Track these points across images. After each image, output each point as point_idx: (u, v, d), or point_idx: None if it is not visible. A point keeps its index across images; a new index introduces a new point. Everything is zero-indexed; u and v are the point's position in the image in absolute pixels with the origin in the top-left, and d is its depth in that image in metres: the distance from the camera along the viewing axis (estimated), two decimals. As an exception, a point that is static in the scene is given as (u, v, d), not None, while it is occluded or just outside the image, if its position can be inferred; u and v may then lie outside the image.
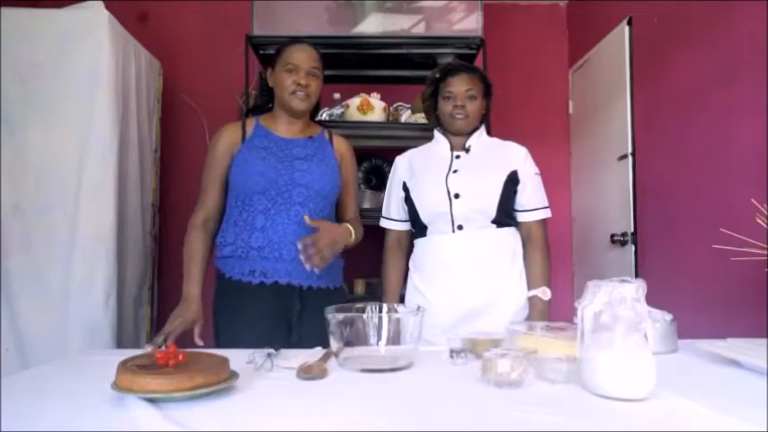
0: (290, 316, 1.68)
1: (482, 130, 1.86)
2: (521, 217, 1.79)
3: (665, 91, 2.54)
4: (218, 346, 1.64)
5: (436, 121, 1.86)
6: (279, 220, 1.66)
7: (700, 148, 2.27)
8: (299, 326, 1.68)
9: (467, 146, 1.81)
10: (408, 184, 1.84)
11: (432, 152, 1.86)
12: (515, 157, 1.79)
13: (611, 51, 3.02)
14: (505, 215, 1.75)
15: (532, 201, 1.78)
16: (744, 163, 2.00)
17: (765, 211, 1.29)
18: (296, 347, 1.46)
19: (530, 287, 1.74)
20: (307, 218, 1.60)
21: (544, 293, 1.72)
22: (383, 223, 1.93)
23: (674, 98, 2.46)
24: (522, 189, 1.77)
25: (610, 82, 3.02)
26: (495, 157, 1.79)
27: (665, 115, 2.54)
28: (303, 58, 1.71)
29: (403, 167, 1.88)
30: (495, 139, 1.87)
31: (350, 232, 1.69)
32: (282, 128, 1.77)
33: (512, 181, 1.75)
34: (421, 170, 1.83)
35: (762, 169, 1.87)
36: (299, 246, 1.53)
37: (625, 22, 2.85)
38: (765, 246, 1.27)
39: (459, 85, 1.76)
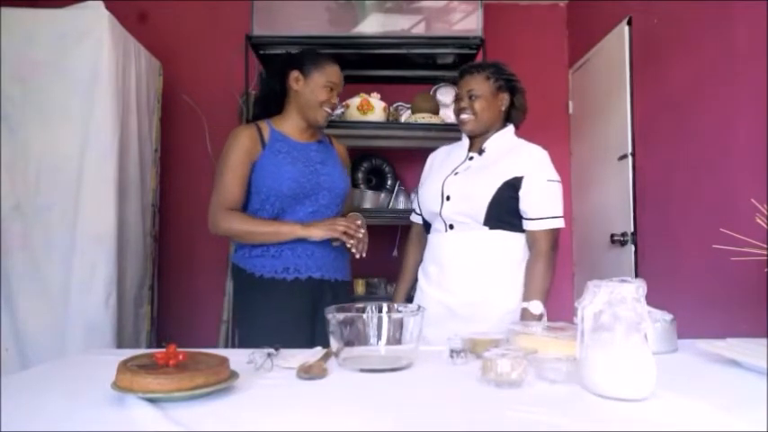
0: (318, 309, 1.70)
1: (506, 130, 1.80)
2: (526, 225, 1.71)
3: (665, 91, 2.54)
4: (244, 340, 1.73)
5: None
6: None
7: (700, 149, 2.27)
8: None
9: (482, 147, 1.78)
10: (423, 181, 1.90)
11: (453, 152, 1.87)
12: (527, 162, 1.70)
13: (611, 51, 3.02)
14: (498, 220, 1.68)
15: (537, 209, 1.68)
16: (744, 163, 2.00)
17: (765, 211, 1.29)
18: (323, 338, 1.49)
19: (525, 297, 1.67)
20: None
21: (535, 307, 1.62)
22: (411, 217, 2.01)
23: (674, 98, 2.46)
24: (525, 195, 1.68)
25: (610, 82, 3.02)
26: (503, 161, 1.72)
27: (665, 115, 2.54)
28: (341, 80, 1.83)
29: (429, 164, 1.95)
30: (519, 141, 1.79)
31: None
32: (297, 133, 1.83)
33: (511, 186, 1.67)
34: (435, 169, 1.87)
35: (762, 169, 1.87)
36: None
37: (625, 22, 2.85)
38: (765, 246, 1.27)
39: (463, 87, 1.78)
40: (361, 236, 1.68)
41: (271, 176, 1.72)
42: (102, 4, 2.51)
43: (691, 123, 2.33)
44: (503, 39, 3.31)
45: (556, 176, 1.72)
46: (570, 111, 3.66)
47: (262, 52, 2.80)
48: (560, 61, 3.71)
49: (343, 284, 1.84)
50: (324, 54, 1.85)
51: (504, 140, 1.79)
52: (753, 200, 1.42)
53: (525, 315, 1.65)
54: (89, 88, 2.45)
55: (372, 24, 2.79)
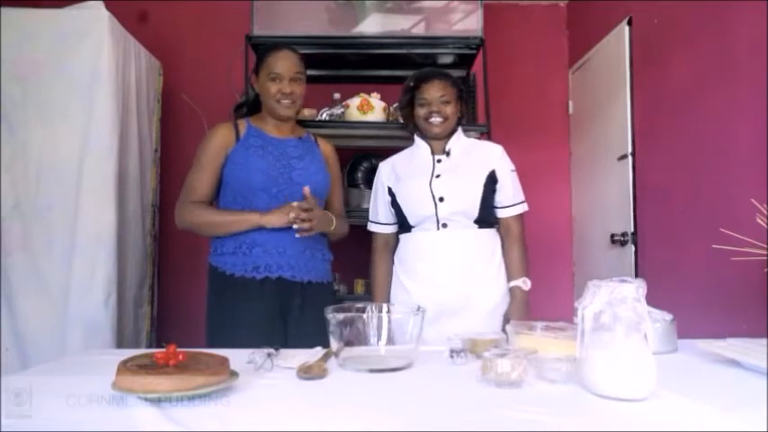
0: (288, 310, 1.72)
1: (459, 132, 1.93)
2: (500, 213, 1.87)
3: (665, 91, 2.54)
4: (215, 342, 1.64)
5: (414, 128, 1.93)
6: None
7: (700, 148, 2.27)
8: (300, 319, 1.71)
9: (447, 149, 1.87)
10: (394, 189, 1.89)
11: (414, 157, 1.92)
12: (492, 156, 1.87)
13: (611, 51, 3.02)
14: (487, 214, 1.82)
15: (510, 197, 1.86)
16: (744, 163, 2.00)
17: (765, 211, 1.29)
18: (294, 341, 1.50)
19: (510, 279, 1.82)
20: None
21: (525, 283, 1.81)
22: (371, 227, 1.98)
23: (674, 98, 2.46)
24: (500, 187, 1.85)
25: (610, 82, 3.02)
26: (474, 159, 1.86)
27: (665, 115, 2.54)
28: (286, 66, 1.77)
29: (387, 173, 1.94)
30: (472, 140, 1.98)
31: (331, 219, 1.78)
32: (274, 129, 1.82)
33: (491, 180, 1.83)
34: (405, 175, 1.88)
35: (762, 169, 1.87)
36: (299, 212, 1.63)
37: (625, 22, 2.85)
38: (765, 246, 1.27)
39: (433, 92, 1.83)
40: (308, 223, 1.64)
41: (240, 169, 1.72)
42: (102, 4, 2.51)
43: (691, 123, 2.33)
44: (503, 39, 3.31)
45: (514, 166, 1.90)
46: (570, 111, 3.66)
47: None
48: (560, 61, 3.71)
49: (318, 286, 1.78)
50: (271, 47, 1.82)
51: (461, 141, 1.91)
52: (753, 200, 1.42)
53: (516, 292, 1.79)
54: (89, 88, 2.45)
55: (372, 24, 2.79)
